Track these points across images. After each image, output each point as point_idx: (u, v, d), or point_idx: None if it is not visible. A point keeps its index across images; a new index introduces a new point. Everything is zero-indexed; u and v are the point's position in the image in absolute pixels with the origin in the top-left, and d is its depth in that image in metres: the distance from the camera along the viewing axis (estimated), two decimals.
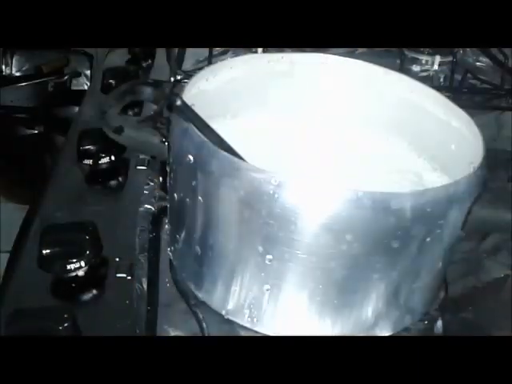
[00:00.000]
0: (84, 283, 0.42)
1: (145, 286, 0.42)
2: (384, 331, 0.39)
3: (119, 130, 0.42)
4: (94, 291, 0.42)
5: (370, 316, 0.38)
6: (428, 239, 0.36)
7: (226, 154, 0.36)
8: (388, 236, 0.35)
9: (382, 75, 0.47)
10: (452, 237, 0.38)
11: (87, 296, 0.42)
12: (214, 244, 0.37)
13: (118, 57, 0.76)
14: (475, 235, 0.51)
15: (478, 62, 0.82)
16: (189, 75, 0.67)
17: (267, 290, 0.37)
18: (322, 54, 0.49)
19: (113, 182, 0.53)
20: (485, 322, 0.45)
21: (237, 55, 0.51)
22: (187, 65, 0.74)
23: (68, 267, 0.41)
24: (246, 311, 0.38)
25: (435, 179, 0.43)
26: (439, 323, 0.42)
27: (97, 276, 0.43)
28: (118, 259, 0.44)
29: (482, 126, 0.41)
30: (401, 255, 0.36)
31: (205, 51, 0.73)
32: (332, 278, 0.36)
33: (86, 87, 1.34)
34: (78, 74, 1.37)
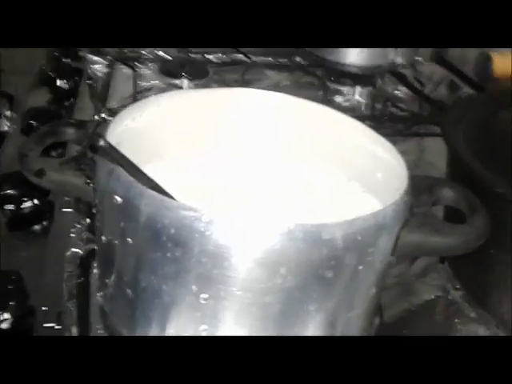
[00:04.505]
0: (9, 336, 0.40)
1: (75, 334, 0.40)
2: None
3: (40, 173, 0.40)
4: None
5: None
6: (360, 267, 0.36)
7: (154, 193, 0.35)
8: (321, 266, 0.35)
9: (306, 107, 0.48)
10: (383, 263, 0.39)
11: None
12: (146, 286, 0.36)
13: (39, 96, 0.74)
14: (404, 259, 0.52)
15: (397, 90, 0.86)
16: (114, 113, 0.66)
17: (204, 330, 0.36)
18: (247, 89, 0.49)
19: (37, 227, 0.51)
20: None
21: (161, 92, 0.51)
22: (112, 102, 0.73)
23: None
24: None
25: (368, 205, 0.44)
26: None
27: (23, 327, 0.41)
28: (45, 308, 0.42)
29: (403, 153, 0.42)
30: (335, 285, 0.36)
31: (129, 88, 0.72)
32: (269, 313, 0.36)
33: (6, 128, 1.29)
34: None
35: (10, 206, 0.51)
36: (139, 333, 0.38)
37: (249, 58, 0.85)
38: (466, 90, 0.83)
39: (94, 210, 0.40)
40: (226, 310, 0.36)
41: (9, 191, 0.51)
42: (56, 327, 0.40)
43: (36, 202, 0.51)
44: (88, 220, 0.50)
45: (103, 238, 0.39)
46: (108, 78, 0.78)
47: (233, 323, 0.36)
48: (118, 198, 0.36)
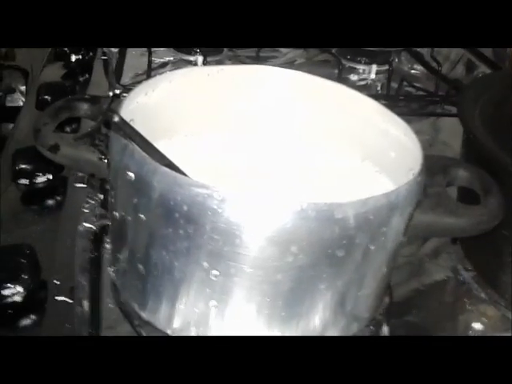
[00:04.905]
0: (22, 309, 0.41)
1: (86, 308, 0.41)
2: None
3: (55, 149, 0.41)
4: (33, 316, 0.41)
5: (317, 326, 0.38)
6: (372, 246, 0.36)
7: (167, 169, 0.35)
8: (333, 245, 0.35)
9: (320, 85, 0.48)
10: (395, 243, 0.39)
11: (26, 322, 0.40)
12: (158, 262, 0.37)
13: (53, 71, 0.74)
14: (416, 239, 0.52)
15: (413, 69, 0.84)
16: (127, 89, 0.66)
17: (214, 306, 0.36)
18: (261, 66, 0.49)
19: (51, 202, 0.52)
20: (429, 325, 0.46)
21: (176, 68, 0.50)
22: (126, 78, 0.73)
23: (4, 293, 0.40)
24: (193, 329, 0.37)
25: (381, 185, 0.44)
26: (385, 328, 0.43)
27: (35, 300, 0.41)
28: (57, 282, 0.42)
29: (418, 133, 0.42)
30: (346, 264, 0.36)
31: (143, 64, 0.72)
32: (279, 291, 0.36)
33: (21, 103, 1.30)
34: (13, 90, 1.33)
35: (24, 181, 0.51)
36: (150, 308, 0.39)
37: None
38: (484, 69, 0.82)
39: (107, 186, 0.41)
40: (237, 286, 0.36)
41: (23, 166, 0.51)
42: (68, 301, 0.41)
43: (50, 176, 0.52)
44: (101, 196, 0.50)
45: (116, 213, 0.39)
46: (122, 54, 0.77)
47: (243, 300, 0.36)
48: (131, 174, 0.36)
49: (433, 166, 0.41)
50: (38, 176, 0.51)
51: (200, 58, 0.78)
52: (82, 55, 0.74)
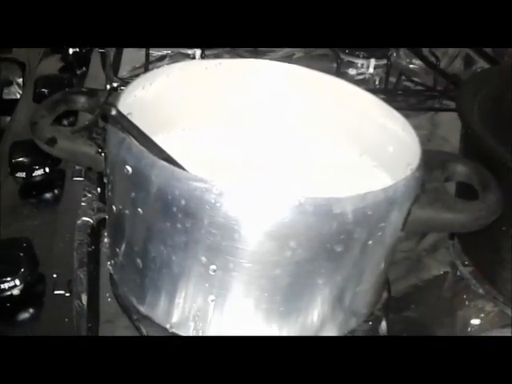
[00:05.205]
0: (20, 302, 0.41)
1: (85, 302, 0.41)
2: (330, 335, 0.39)
3: (52, 142, 0.40)
4: (31, 310, 0.41)
5: (315, 321, 0.38)
6: (370, 242, 0.36)
7: (165, 163, 0.35)
8: (331, 240, 0.35)
9: (318, 79, 0.47)
10: (393, 238, 0.39)
11: (24, 315, 0.40)
12: (156, 256, 0.37)
13: (50, 64, 0.73)
14: (414, 234, 0.52)
15: (412, 64, 0.84)
16: (125, 82, 0.66)
17: (212, 300, 0.36)
18: (259, 60, 0.49)
19: (48, 195, 0.51)
20: (427, 320, 0.46)
21: (174, 62, 0.50)
22: (123, 71, 0.72)
23: (2, 286, 0.40)
24: (191, 323, 0.37)
25: (378, 180, 0.44)
26: (383, 323, 0.43)
27: (33, 294, 0.41)
28: (55, 275, 0.42)
29: (416, 127, 0.42)
30: (344, 259, 0.36)
31: (141, 57, 0.72)
32: (277, 286, 0.36)
33: (18, 96, 1.29)
34: (10, 83, 1.32)
35: (22, 174, 0.51)
36: (148, 302, 0.39)
37: None
38: (482, 64, 0.82)
39: (104, 180, 0.41)
40: (235, 281, 0.36)
41: (20, 159, 0.51)
42: (66, 294, 0.41)
43: (47, 170, 0.51)
44: (99, 189, 0.50)
45: (114, 207, 0.39)
46: (119, 47, 0.77)
47: (241, 295, 0.36)
48: (129, 168, 0.36)
49: (431, 161, 0.41)
50: (36, 169, 0.51)
51: (198, 52, 0.78)
52: (80, 48, 0.74)
